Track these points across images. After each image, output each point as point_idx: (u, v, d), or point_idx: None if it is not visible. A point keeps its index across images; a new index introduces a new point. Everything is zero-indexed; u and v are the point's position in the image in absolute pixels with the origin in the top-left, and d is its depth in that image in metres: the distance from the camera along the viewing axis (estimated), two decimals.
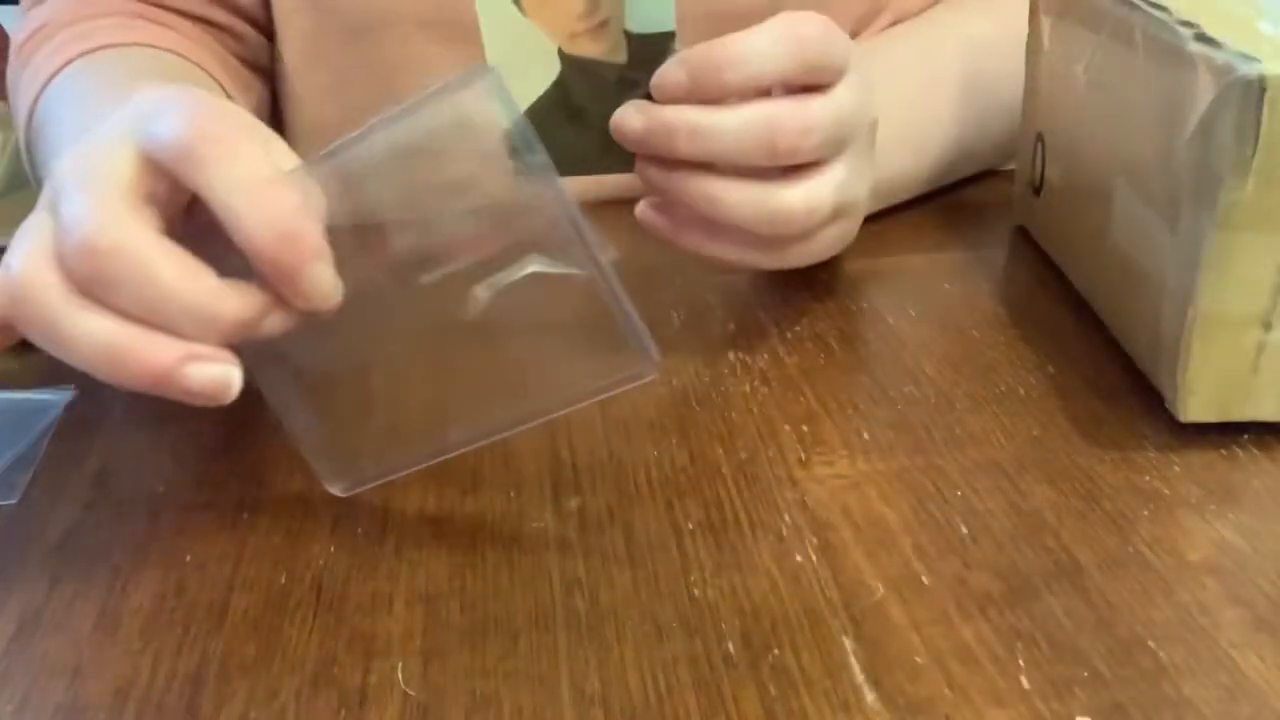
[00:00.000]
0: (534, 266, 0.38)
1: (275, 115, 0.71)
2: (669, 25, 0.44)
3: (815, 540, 0.39)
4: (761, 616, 0.36)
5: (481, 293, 0.38)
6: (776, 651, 0.35)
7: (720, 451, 0.44)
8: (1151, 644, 0.34)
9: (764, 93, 0.44)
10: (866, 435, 0.44)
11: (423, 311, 0.40)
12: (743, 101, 0.44)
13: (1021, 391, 0.47)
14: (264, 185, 0.35)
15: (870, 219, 0.55)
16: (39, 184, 0.61)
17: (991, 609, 0.36)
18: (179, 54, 0.62)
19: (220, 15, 0.67)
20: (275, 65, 0.69)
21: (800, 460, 0.43)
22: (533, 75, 0.55)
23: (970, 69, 0.62)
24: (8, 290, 0.36)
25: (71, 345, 0.35)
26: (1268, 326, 0.41)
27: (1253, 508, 0.40)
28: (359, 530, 0.41)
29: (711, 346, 0.51)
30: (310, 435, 0.41)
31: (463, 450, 0.40)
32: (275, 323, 0.36)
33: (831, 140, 0.45)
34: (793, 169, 0.45)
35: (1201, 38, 0.40)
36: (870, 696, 0.33)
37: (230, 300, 0.35)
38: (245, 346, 0.36)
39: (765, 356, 0.50)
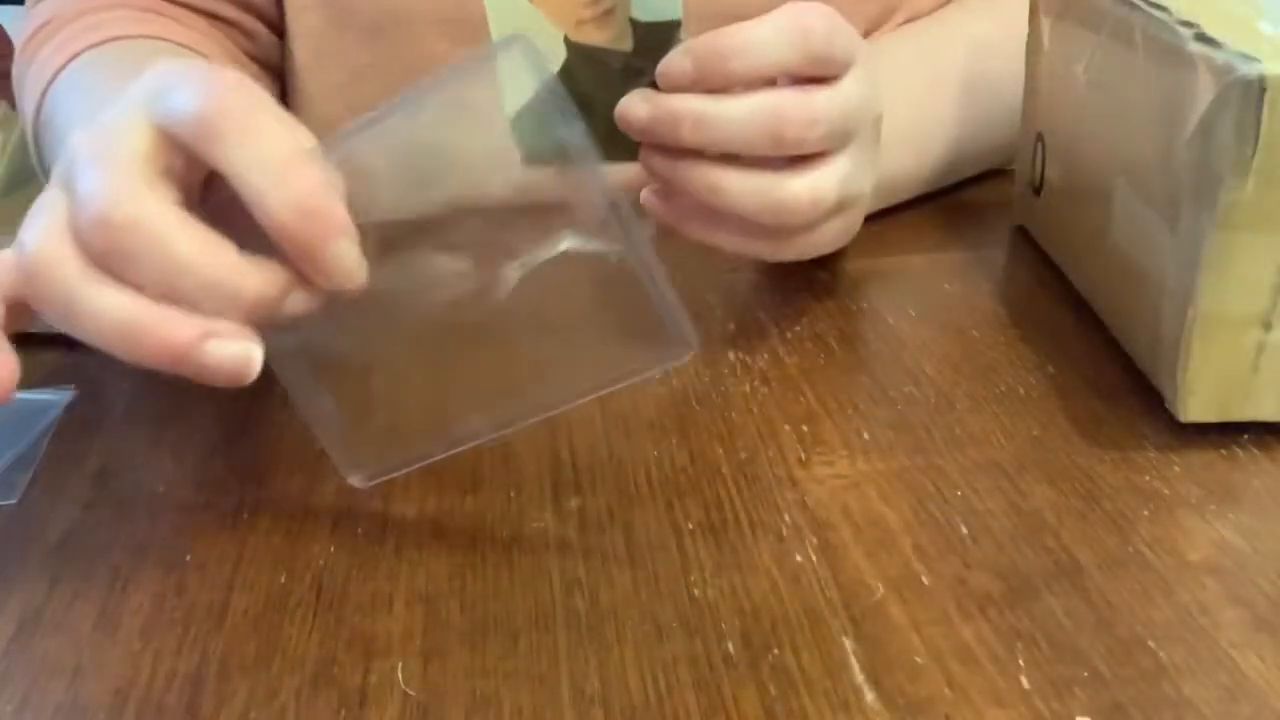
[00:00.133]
0: (567, 244, 0.37)
1: None
2: (675, 14, 0.44)
3: (815, 540, 0.39)
4: (761, 616, 0.36)
5: (513, 272, 0.38)
6: (776, 651, 0.35)
7: (720, 451, 0.44)
8: (1151, 644, 0.34)
9: (770, 84, 0.44)
10: (866, 435, 0.44)
11: (452, 294, 0.39)
12: (749, 91, 0.44)
13: (1021, 391, 0.47)
14: (287, 161, 0.34)
15: (870, 219, 0.55)
16: (47, 176, 0.61)
17: (991, 609, 0.36)
18: (189, 48, 0.62)
19: (230, 11, 0.66)
20: (285, 63, 0.69)
21: (800, 460, 0.43)
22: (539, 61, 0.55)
23: (973, 69, 0.62)
24: (23, 267, 0.35)
25: (88, 322, 0.35)
26: (1268, 326, 0.41)
27: (1253, 508, 0.40)
28: (359, 530, 0.41)
29: (711, 346, 0.51)
30: (330, 424, 0.40)
31: (493, 437, 0.39)
32: (298, 302, 0.35)
33: (837, 132, 0.45)
34: (797, 160, 0.45)
35: (1201, 38, 0.40)
36: (870, 696, 0.33)
37: (252, 277, 0.35)
38: (267, 332, 0.35)
39: (765, 356, 0.50)
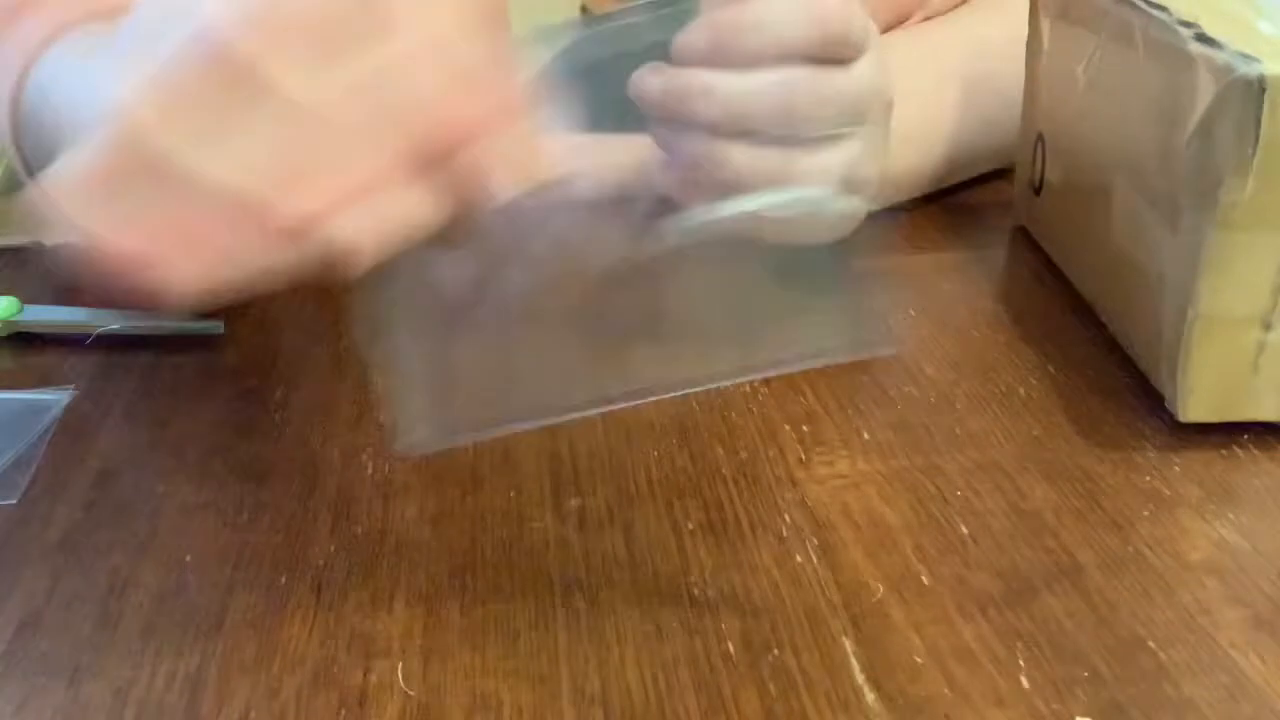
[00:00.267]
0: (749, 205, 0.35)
1: None
2: None
3: (815, 540, 0.39)
4: (761, 616, 0.36)
5: (691, 222, 0.36)
6: (776, 651, 0.35)
7: (720, 451, 0.44)
8: (1152, 644, 0.34)
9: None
10: (866, 435, 0.44)
11: (615, 256, 0.37)
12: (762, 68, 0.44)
13: (1021, 391, 0.47)
14: None
15: (871, 218, 0.54)
16: (31, 173, 0.55)
17: (991, 609, 0.36)
18: None
19: None
20: None
21: (800, 460, 0.43)
22: (553, 33, 0.54)
23: (979, 69, 0.62)
24: (120, 134, 0.28)
25: (198, 192, 0.28)
26: (1268, 326, 0.41)
27: (1253, 508, 0.40)
28: (359, 530, 0.41)
29: None
30: (421, 370, 0.37)
31: (627, 404, 0.37)
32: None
33: (848, 114, 0.45)
34: (807, 140, 0.45)
35: (1201, 38, 0.40)
36: (870, 697, 0.33)
37: None
38: (398, 268, 0.31)
39: None
